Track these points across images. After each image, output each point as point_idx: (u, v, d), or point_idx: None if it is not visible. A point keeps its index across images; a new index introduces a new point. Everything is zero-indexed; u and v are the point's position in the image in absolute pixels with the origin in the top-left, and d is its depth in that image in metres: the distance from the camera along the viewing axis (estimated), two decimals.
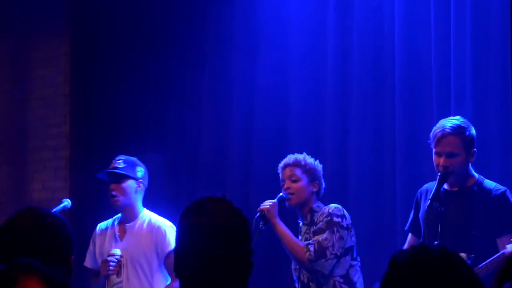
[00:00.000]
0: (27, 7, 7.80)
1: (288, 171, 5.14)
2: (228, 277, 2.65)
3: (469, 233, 4.64)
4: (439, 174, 4.72)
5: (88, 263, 5.64)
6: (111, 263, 5.39)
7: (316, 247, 4.93)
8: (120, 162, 5.54)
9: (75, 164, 7.45)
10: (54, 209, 5.36)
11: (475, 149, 4.76)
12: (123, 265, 5.44)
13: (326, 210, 5.04)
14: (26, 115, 7.86)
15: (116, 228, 5.60)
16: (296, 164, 5.13)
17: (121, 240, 5.55)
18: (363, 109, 6.20)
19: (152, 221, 5.54)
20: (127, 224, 5.56)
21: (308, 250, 4.94)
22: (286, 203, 5.12)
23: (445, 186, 4.80)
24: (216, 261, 2.63)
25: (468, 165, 4.78)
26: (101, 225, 5.68)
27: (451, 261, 2.26)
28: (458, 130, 4.72)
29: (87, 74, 7.48)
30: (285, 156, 5.26)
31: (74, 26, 7.62)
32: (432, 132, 4.80)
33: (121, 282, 5.41)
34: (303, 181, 5.11)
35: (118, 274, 5.42)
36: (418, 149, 5.81)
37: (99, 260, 5.55)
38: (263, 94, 6.65)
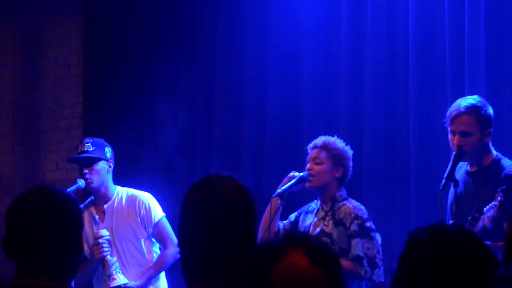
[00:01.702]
0: None
1: (314, 153, 5.10)
2: (230, 252, 2.63)
3: (470, 215, 4.56)
4: (453, 153, 4.69)
5: None
6: (104, 244, 5.39)
7: (368, 261, 4.90)
8: (89, 145, 5.48)
9: None
10: (68, 189, 5.37)
11: (491, 129, 4.72)
12: (112, 245, 5.46)
13: (352, 210, 4.99)
14: (39, 96, 7.87)
15: (93, 210, 5.60)
16: (324, 147, 5.08)
17: (102, 221, 5.54)
18: (376, 89, 6.18)
19: (129, 194, 5.55)
20: (104, 205, 5.54)
21: (361, 266, 4.89)
22: (306, 184, 5.08)
23: (468, 167, 4.78)
24: (219, 235, 2.62)
25: (483, 145, 4.72)
26: None
27: (467, 240, 2.24)
28: (472, 109, 4.69)
29: (100, 54, 7.47)
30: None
31: (87, 5, 7.60)
32: (448, 111, 4.78)
33: (116, 261, 5.43)
34: (326, 165, 5.05)
35: (111, 254, 5.43)
36: (432, 130, 5.80)
37: (84, 246, 5.54)
38: (276, 72, 6.63)
